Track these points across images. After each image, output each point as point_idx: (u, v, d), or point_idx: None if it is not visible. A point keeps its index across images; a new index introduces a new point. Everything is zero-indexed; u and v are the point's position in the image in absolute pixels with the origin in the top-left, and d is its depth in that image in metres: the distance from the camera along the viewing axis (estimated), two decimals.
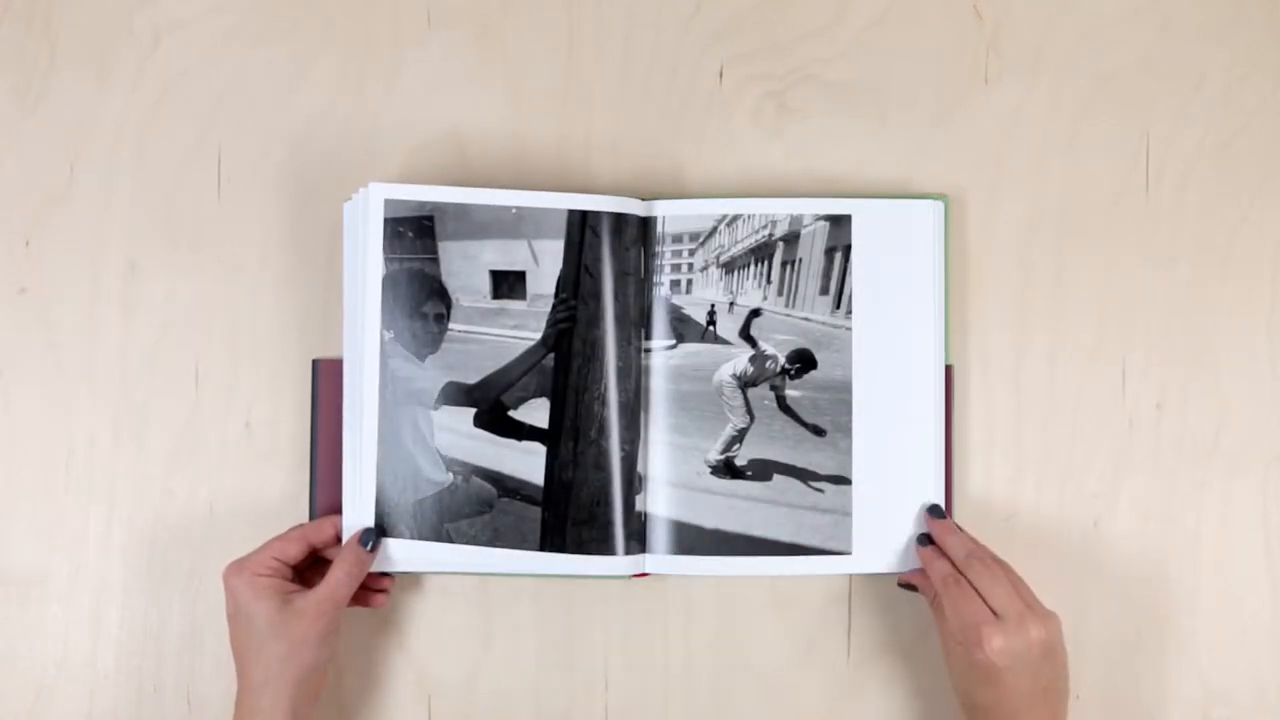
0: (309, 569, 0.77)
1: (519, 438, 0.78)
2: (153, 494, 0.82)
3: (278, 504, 0.81)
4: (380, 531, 0.76)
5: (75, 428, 0.82)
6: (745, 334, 0.79)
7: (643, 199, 0.79)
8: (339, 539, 0.77)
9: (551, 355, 0.77)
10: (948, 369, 0.80)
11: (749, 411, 0.79)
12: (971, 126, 0.83)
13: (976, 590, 0.72)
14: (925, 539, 0.77)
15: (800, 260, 0.79)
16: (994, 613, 0.71)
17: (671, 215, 0.79)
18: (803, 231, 0.79)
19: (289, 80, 0.83)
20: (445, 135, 0.83)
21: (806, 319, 0.79)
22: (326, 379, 0.79)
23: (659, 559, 0.78)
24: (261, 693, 0.72)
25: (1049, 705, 0.71)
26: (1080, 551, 0.81)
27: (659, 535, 0.78)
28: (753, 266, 0.80)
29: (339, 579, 0.74)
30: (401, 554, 0.77)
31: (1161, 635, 0.81)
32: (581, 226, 0.77)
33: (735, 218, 0.79)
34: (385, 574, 0.78)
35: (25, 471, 0.82)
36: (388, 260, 0.76)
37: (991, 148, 0.83)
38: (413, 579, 0.82)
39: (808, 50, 0.83)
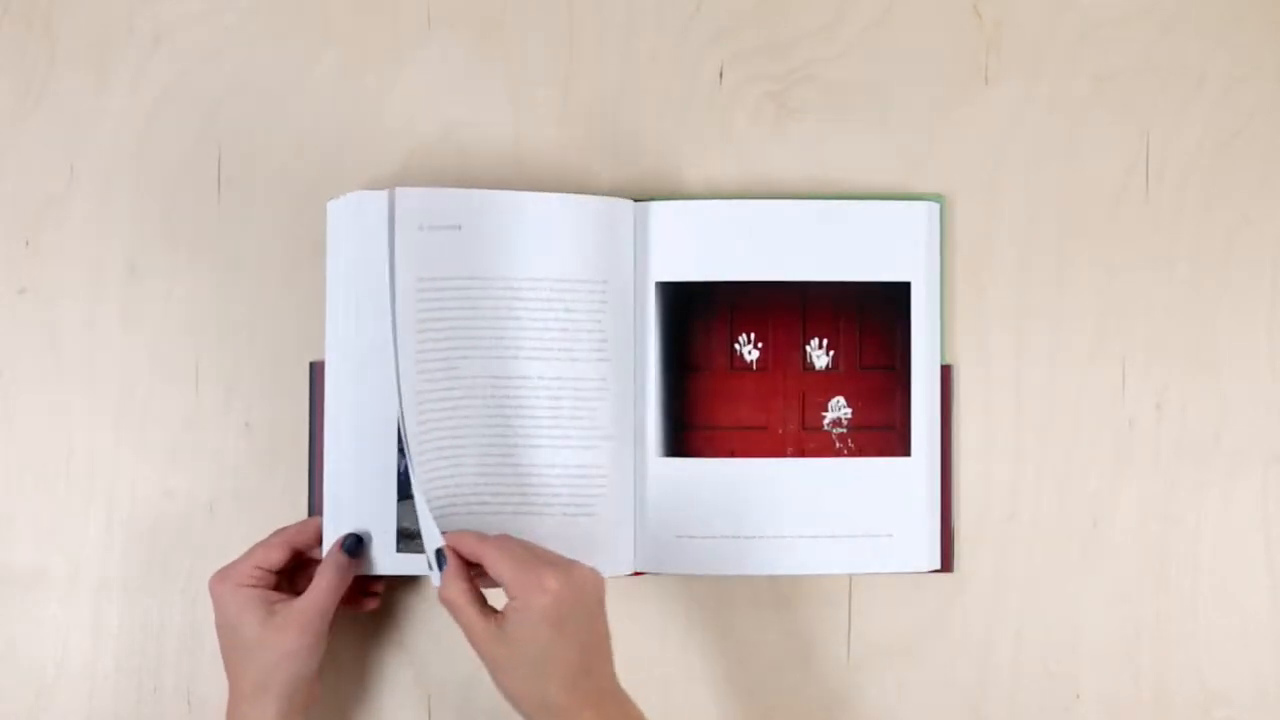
0: (299, 571, 0.76)
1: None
2: (153, 494, 0.82)
3: (278, 504, 0.81)
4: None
5: (75, 428, 0.82)
6: None
7: (642, 199, 0.79)
8: (322, 540, 0.76)
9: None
10: (946, 369, 0.80)
11: None
12: (971, 126, 0.83)
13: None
14: (440, 561, 0.71)
15: None
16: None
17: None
18: None
19: (289, 80, 0.83)
20: (445, 135, 0.83)
21: None
22: (324, 381, 0.79)
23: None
24: (251, 703, 0.72)
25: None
26: (1080, 551, 0.81)
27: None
28: None
29: (321, 589, 0.73)
30: (382, 558, 0.76)
31: (1161, 635, 0.81)
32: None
33: None
34: (375, 577, 0.78)
35: (25, 471, 0.82)
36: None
37: (991, 148, 0.83)
38: (413, 579, 0.82)
39: (808, 50, 0.83)
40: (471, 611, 0.68)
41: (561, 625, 0.67)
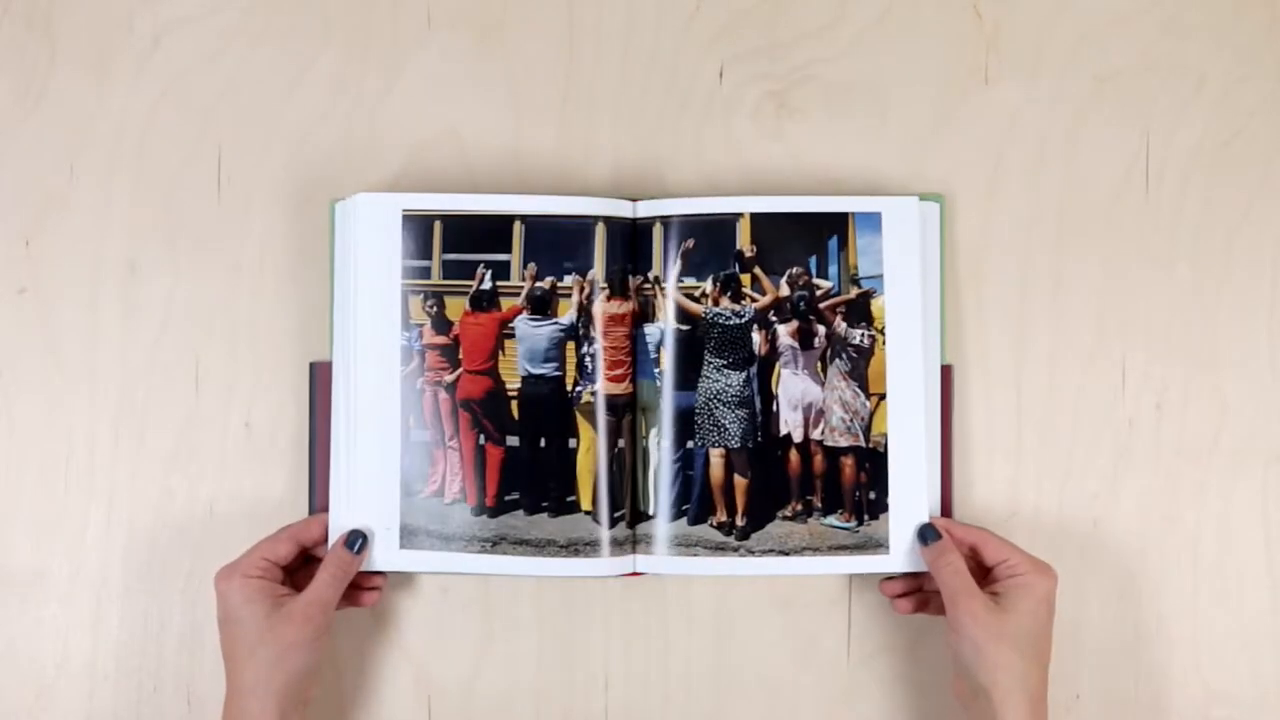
0: (300, 570, 0.77)
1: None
2: (153, 494, 0.82)
3: (278, 504, 0.81)
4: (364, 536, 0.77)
5: (75, 428, 0.82)
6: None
7: (640, 199, 0.79)
8: (328, 537, 0.77)
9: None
10: (947, 368, 0.80)
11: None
12: (971, 126, 0.83)
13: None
14: (929, 535, 0.77)
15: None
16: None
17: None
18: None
19: (289, 80, 0.83)
20: (445, 135, 0.83)
21: None
22: (324, 382, 0.79)
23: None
24: (250, 696, 0.72)
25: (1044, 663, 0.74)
26: (1080, 551, 0.82)
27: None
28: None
29: (325, 582, 0.74)
30: (385, 555, 0.77)
31: (1161, 635, 0.81)
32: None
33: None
34: (376, 572, 0.78)
35: (25, 471, 0.82)
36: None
37: (991, 148, 0.83)
38: (413, 579, 0.82)
39: (808, 50, 0.83)
40: (970, 579, 0.74)
41: (1051, 613, 0.74)
